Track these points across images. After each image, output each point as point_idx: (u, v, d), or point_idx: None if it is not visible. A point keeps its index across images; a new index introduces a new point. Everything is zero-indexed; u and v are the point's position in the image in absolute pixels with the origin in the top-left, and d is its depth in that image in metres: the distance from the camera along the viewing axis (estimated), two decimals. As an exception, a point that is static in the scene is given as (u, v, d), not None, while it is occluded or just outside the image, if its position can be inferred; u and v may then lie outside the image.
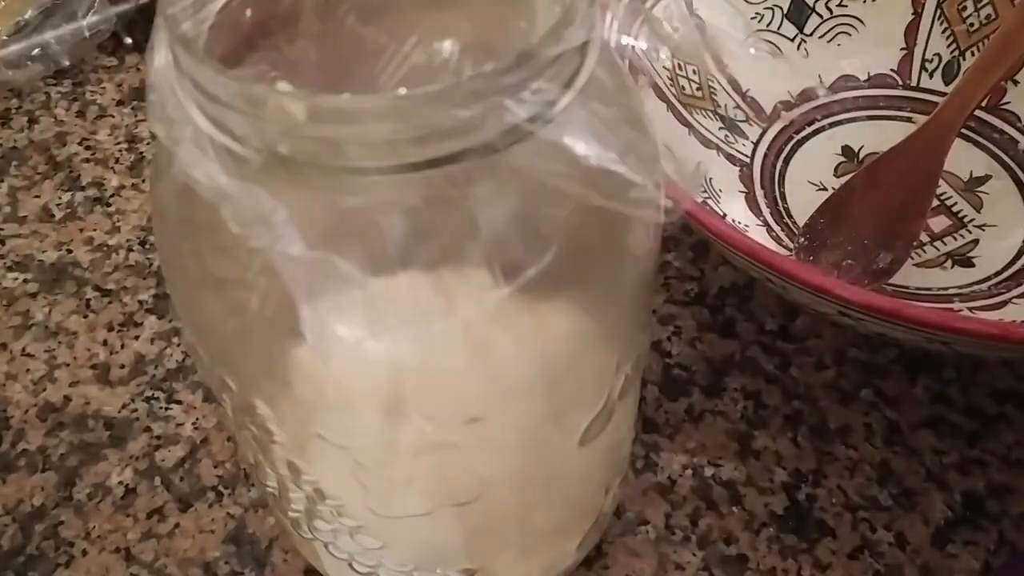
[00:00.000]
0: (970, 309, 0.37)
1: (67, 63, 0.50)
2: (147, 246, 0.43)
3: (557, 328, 0.22)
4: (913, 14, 0.44)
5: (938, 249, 0.40)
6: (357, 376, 0.22)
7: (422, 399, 0.22)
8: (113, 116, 0.50)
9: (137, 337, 0.40)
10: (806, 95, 0.44)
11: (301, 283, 0.19)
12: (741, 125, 0.43)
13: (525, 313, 0.21)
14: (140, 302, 0.41)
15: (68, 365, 0.39)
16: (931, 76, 0.44)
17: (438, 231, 0.19)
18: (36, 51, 0.49)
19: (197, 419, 0.37)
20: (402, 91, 0.18)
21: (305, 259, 0.18)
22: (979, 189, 0.41)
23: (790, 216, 0.41)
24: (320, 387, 0.22)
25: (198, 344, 0.24)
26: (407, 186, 0.18)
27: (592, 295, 0.22)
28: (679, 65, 0.42)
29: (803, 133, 0.44)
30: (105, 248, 0.43)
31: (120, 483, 0.35)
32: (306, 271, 0.19)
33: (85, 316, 0.41)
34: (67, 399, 0.38)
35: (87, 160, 0.47)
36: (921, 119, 0.42)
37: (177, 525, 0.34)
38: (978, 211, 0.41)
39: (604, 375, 0.24)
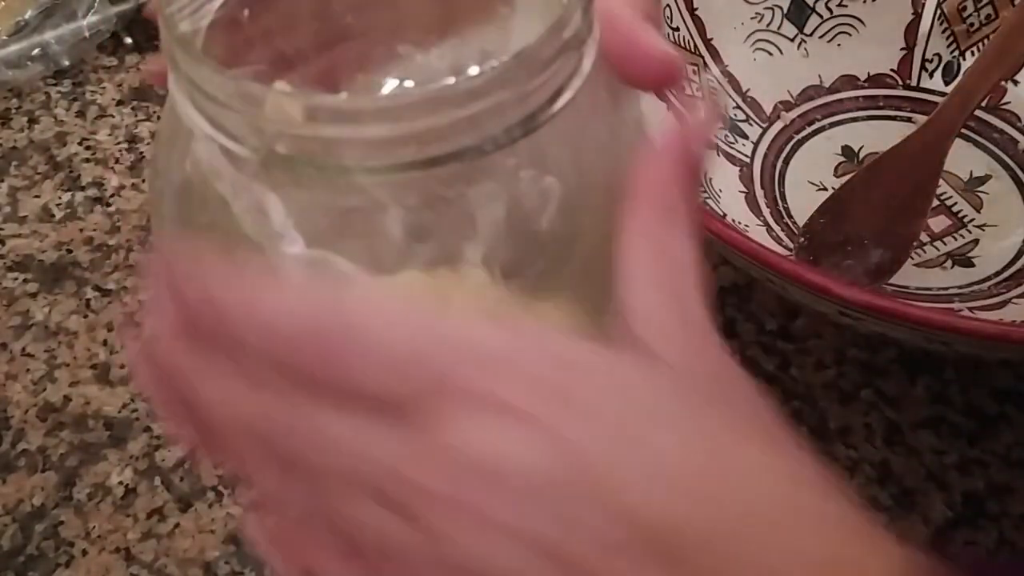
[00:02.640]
0: (970, 309, 0.37)
1: (67, 63, 0.50)
2: (147, 246, 0.43)
3: (555, 327, 0.22)
4: (913, 14, 0.44)
5: (938, 249, 0.40)
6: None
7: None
8: (113, 116, 0.50)
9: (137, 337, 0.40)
10: (806, 95, 0.44)
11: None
12: (741, 125, 0.43)
13: (523, 312, 0.21)
14: (140, 302, 0.41)
15: (68, 365, 0.39)
16: (931, 76, 0.44)
17: (436, 231, 0.19)
18: (36, 51, 0.49)
19: (197, 419, 0.37)
20: (400, 91, 0.18)
21: (304, 258, 0.18)
22: (979, 189, 0.41)
23: (790, 216, 0.41)
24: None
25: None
26: (405, 186, 0.18)
27: (591, 294, 0.22)
28: (679, 65, 0.42)
29: (803, 133, 0.44)
30: (105, 248, 0.43)
31: (120, 483, 0.35)
32: (305, 270, 0.19)
33: (85, 316, 0.41)
34: (67, 399, 0.38)
35: (87, 160, 0.47)
36: (921, 119, 0.42)
37: (177, 525, 0.34)
38: (978, 211, 0.41)
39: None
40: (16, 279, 0.42)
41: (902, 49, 0.44)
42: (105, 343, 0.40)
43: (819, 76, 0.44)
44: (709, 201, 0.39)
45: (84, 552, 0.33)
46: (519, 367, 0.16)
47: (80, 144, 0.48)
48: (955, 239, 0.40)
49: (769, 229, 0.40)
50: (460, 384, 0.16)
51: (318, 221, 0.19)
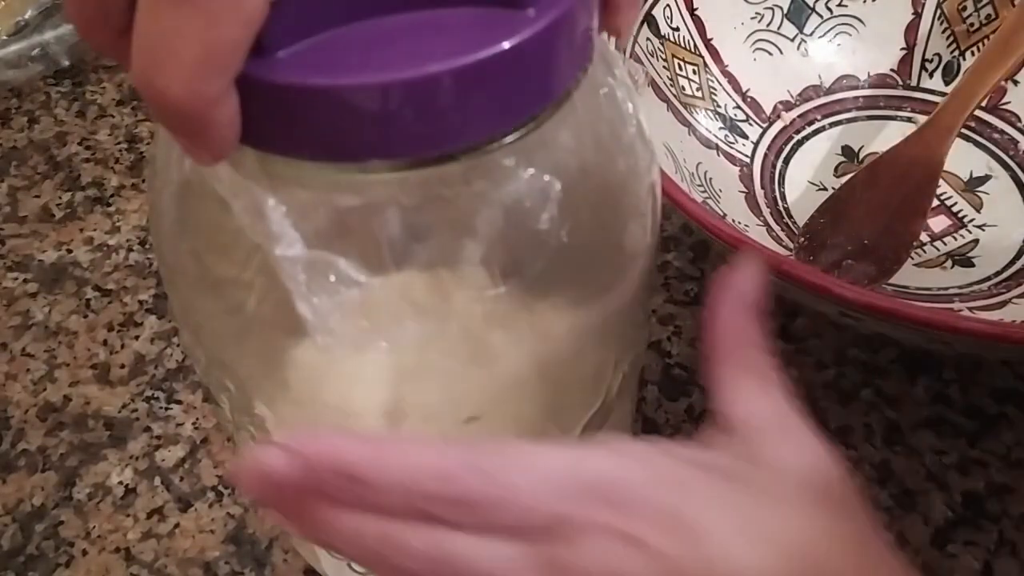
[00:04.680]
0: (970, 309, 0.37)
1: (67, 63, 0.50)
2: (147, 246, 0.43)
3: (554, 327, 0.22)
4: (913, 14, 0.44)
5: (938, 249, 0.40)
6: (355, 376, 0.22)
7: (420, 399, 0.22)
8: (113, 116, 0.50)
9: (137, 337, 0.40)
10: (806, 95, 0.44)
11: (300, 282, 0.19)
12: (741, 125, 0.43)
13: (522, 312, 0.21)
14: (140, 302, 0.41)
15: (68, 365, 0.39)
16: (931, 76, 0.44)
17: (435, 231, 0.19)
18: (36, 51, 0.49)
19: (197, 419, 0.37)
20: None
21: (303, 258, 0.18)
22: (979, 189, 0.41)
23: (790, 216, 0.41)
24: (318, 387, 0.22)
25: (196, 345, 0.24)
26: (404, 186, 0.18)
27: (589, 293, 0.22)
28: (679, 65, 0.42)
29: (803, 133, 0.44)
30: (105, 248, 0.43)
31: (120, 483, 0.35)
32: (304, 270, 0.19)
33: (85, 316, 0.41)
34: (67, 399, 0.38)
35: (87, 160, 0.47)
36: (921, 119, 0.42)
37: (177, 525, 0.34)
38: (978, 211, 0.41)
39: (602, 373, 0.24)
40: (16, 279, 0.42)
41: (902, 49, 0.44)
42: (105, 343, 0.40)
43: (819, 76, 0.44)
44: (709, 201, 0.39)
45: (84, 552, 0.33)
46: (642, 503, 0.18)
47: (80, 144, 0.48)
48: (955, 239, 0.40)
49: (769, 229, 0.40)
50: (594, 519, 0.17)
51: (318, 221, 0.19)
